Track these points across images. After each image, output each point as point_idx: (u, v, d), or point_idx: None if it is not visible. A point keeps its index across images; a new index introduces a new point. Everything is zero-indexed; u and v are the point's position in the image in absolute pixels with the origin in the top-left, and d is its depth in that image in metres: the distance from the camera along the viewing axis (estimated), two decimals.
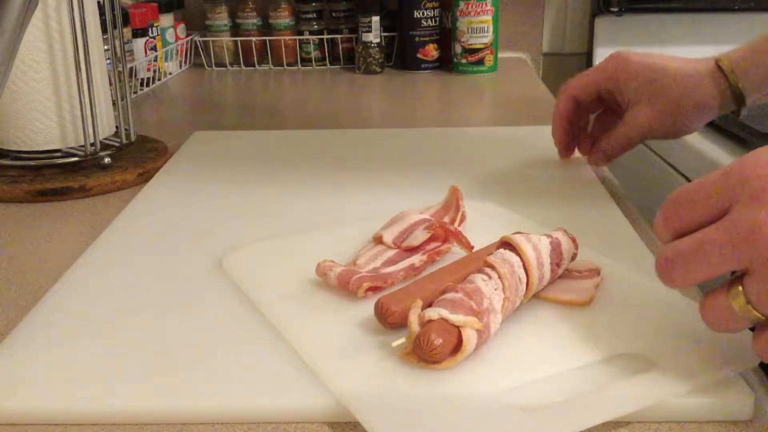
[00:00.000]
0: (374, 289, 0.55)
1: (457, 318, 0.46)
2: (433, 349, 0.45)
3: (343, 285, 0.55)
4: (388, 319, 0.50)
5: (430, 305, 0.48)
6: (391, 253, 0.60)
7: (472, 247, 0.61)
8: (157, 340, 0.52)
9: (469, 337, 0.46)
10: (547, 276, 0.53)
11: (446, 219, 0.66)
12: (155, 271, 0.62)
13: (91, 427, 0.45)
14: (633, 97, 0.78)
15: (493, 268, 0.51)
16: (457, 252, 0.61)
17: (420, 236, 0.61)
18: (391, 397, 0.44)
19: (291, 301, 0.55)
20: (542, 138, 0.88)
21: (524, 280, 0.51)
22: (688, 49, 1.68)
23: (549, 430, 0.42)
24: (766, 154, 0.42)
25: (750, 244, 0.40)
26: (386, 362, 0.47)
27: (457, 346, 0.46)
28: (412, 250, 0.61)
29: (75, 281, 0.61)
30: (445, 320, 0.46)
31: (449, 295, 0.48)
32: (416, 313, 0.47)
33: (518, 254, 0.52)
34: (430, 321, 0.46)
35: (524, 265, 0.52)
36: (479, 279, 0.50)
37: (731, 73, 0.74)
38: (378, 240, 0.62)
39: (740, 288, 0.42)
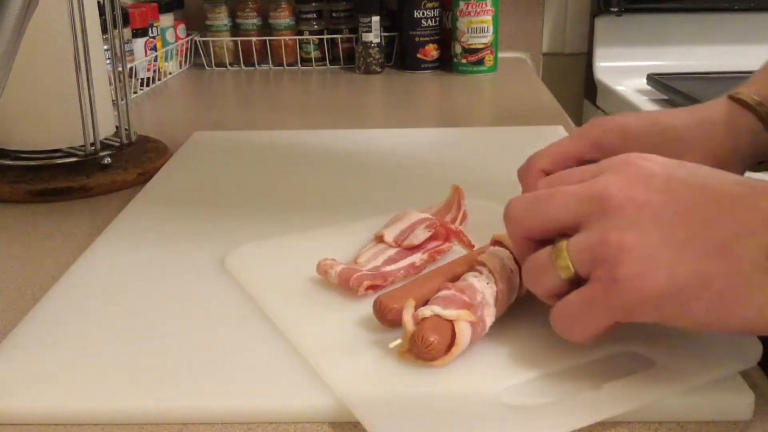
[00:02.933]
0: (374, 288, 0.55)
1: (449, 312, 0.46)
2: (428, 346, 0.45)
3: (344, 283, 0.55)
4: (387, 317, 0.50)
5: (426, 303, 0.48)
6: (391, 251, 0.60)
7: (473, 246, 0.61)
8: (157, 339, 0.52)
9: (463, 330, 0.46)
10: None
11: (447, 218, 0.66)
12: (156, 271, 0.62)
13: (91, 427, 0.45)
14: None
15: (483, 264, 0.51)
16: (458, 251, 0.62)
17: (421, 235, 0.61)
18: (390, 396, 0.44)
19: (292, 300, 0.55)
20: (542, 138, 0.88)
21: (516, 270, 0.52)
22: (688, 49, 1.68)
23: (547, 428, 0.42)
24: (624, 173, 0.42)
25: (594, 199, 0.42)
26: (386, 361, 0.47)
27: (453, 341, 0.46)
28: (413, 249, 0.61)
29: (75, 281, 0.61)
30: (438, 316, 0.46)
31: (442, 293, 0.49)
32: (410, 312, 0.47)
33: (507, 248, 0.53)
34: (423, 319, 0.47)
35: (514, 257, 0.52)
36: (471, 276, 0.51)
37: (760, 106, 0.57)
38: (379, 238, 0.62)
39: (564, 244, 0.43)
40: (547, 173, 0.57)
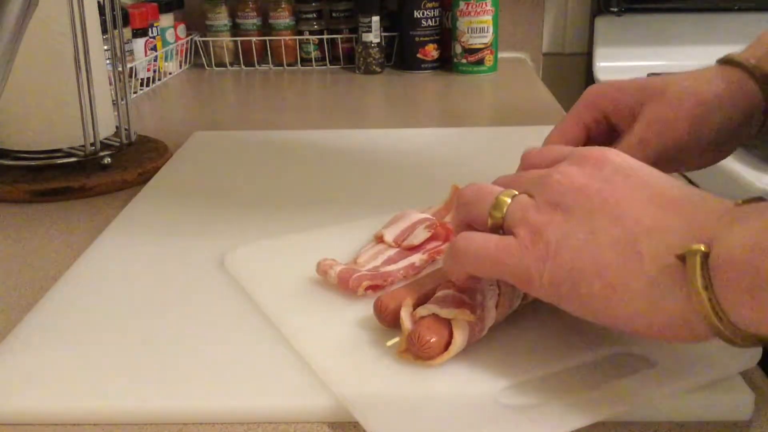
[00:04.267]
0: (374, 288, 0.55)
1: (447, 312, 0.46)
2: (424, 345, 0.45)
3: (343, 284, 0.55)
4: (387, 318, 0.50)
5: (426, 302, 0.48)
6: (391, 252, 0.60)
7: None
8: (157, 339, 0.52)
9: (460, 329, 0.46)
10: None
11: (447, 218, 0.66)
12: (156, 271, 0.62)
13: (91, 427, 0.45)
14: (635, 104, 0.59)
15: None
16: None
17: (421, 235, 0.61)
18: (389, 396, 0.44)
19: (291, 300, 0.55)
20: (542, 138, 0.88)
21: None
22: (688, 49, 1.68)
23: (547, 428, 0.42)
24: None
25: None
26: (385, 361, 0.47)
27: (450, 340, 0.46)
28: (413, 249, 0.61)
29: (75, 281, 0.61)
30: (435, 316, 0.46)
31: (441, 293, 0.48)
32: (408, 311, 0.47)
33: None
34: (421, 318, 0.47)
35: None
36: (473, 281, 0.50)
37: (756, 69, 0.57)
38: (379, 239, 0.62)
39: (508, 199, 0.46)
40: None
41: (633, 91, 0.59)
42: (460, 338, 0.46)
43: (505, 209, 0.46)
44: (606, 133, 0.61)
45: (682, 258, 0.39)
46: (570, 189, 0.44)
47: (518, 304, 0.51)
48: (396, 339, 0.48)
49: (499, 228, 0.46)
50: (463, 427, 0.42)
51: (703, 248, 0.38)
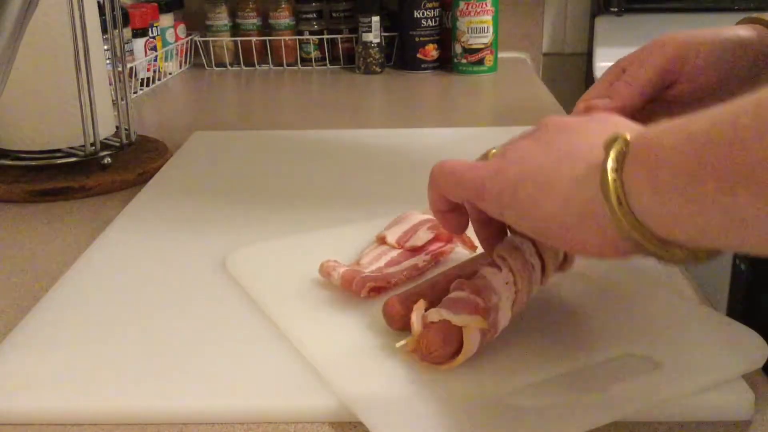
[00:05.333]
0: (377, 290, 0.55)
1: (459, 319, 0.45)
2: (431, 352, 0.45)
3: (347, 285, 0.55)
4: (397, 321, 0.49)
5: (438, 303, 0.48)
6: (394, 253, 0.60)
7: (476, 248, 0.61)
8: (157, 340, 0.52)
9: (471, 338, 0.45)
10: (561, 254, 0.52)
11: None
12: (156, 271, 0.62)
13: (91, 427, 0.45)
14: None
15: (503, 259, 0.49)
16: (460, 252, 0.61)
17: (423, 236, 0.61)
18: (394, 397, 0.44)
19: (294, 301, 0.55)
20: None
21: (538, 266, 0.50)
22: None
23: (553, 431, 0.42)
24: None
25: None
26: (389, 363, 0.47)
27: (460, 346, 0.45)
28: (416, 251, 0.60)
29: (75, 281, 0.61)
30: (447, 321, 0.46)
31: (455, 294, 0.47)
32: (419, 313, 0.47)
33: (528, 238, 0.50)
34: (432, 323, 0.46)
35: (537, 250, 0.50)
36: (489, 273, 0.48)
37: None
38: (381, 240, 0.62)
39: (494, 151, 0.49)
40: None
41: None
42: (469, 348, 0.45)
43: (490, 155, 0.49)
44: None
45: (606, 146, 0.39)
46: (534, 133, 0.47)
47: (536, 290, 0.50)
48: (404, 341, 0.47)
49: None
50: (468, 429, 0.42)
51: (627, 136, 0.38)
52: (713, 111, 0.35)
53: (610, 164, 0.38)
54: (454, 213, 0.50)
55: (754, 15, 0.62)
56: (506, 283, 0.48)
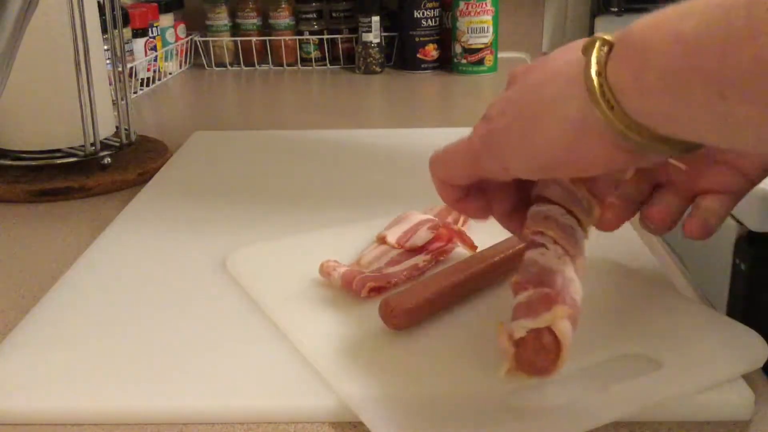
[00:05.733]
0: (378, 290, 0.55)
1: (542, 320, 0.43)
2: (537, 365, 0.42)
3: (347, 285, 0.55)
4: (393, 322, 0.50)
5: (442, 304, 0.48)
6: (394, 253, 0.60)
7: (476, 247, 0.61)
8: (157, 340, 0.52)
9: (563, 331, 0.42)
10: (587, 204, 0.49)
11: (449, 219, 0.66)
12: (156, 271, 0.62)
13: (91, 427, 0.45)
14: None
15: (541, 234, 0.47)
16: (460, 252, 0.61)
17: (424, 236, 0.61)
18: (396, 397, 0.44)
19: (294, 301, 0.55)
20: None
21: (575, 223, 0.47)
22: None
23: (554, 431, 0.42)
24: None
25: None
26: (389, 362, 0.47)
27: (557, 346, 0.43)
28: (416, 251, 0.60)
29: (75, 281, 0.61)
30: (533, 330, 0.43)
31: (521, 296, 0.44)
32: (504, 335, 0.43)
33: (553, 202, 0.48)
34: (521, 338, 0.43)
35: (566, 209, 0.48)
36: (537, 254, 0.46)
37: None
38: (381, 240, 0.62)
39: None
40: None
41: None
42: (567, 341, 0.42)
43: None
44: None
45: (585, 51, 0.38)
46: (510, 89, 0.46)
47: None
48: (504, 367, 0.44)
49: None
50: (469, 429, 0.42)
51: (607, 37, 0.37)
52: (701, 7, 0.33)
53: (594, 68, 0.37)
54: (469, 198, 0.48)
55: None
56: (558, 258, 0.45)
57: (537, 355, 0.42)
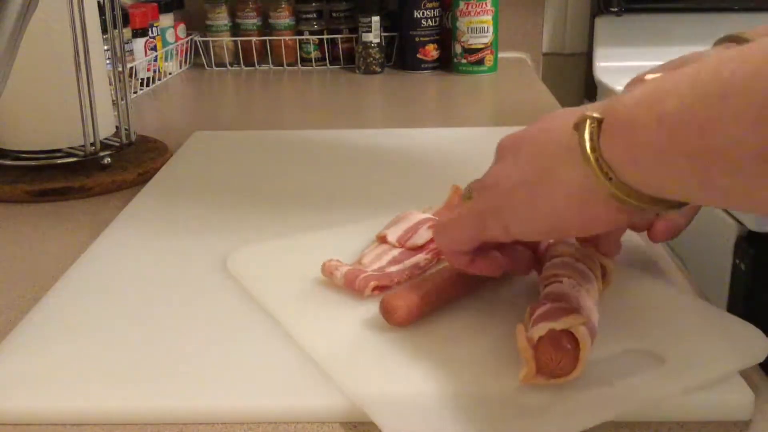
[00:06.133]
0: (381, 289, 0.55)
1: (563, 322, 0.44)
2: (559, 363, 0.43)
3: (350, 284, 0.55)
4: (394, 317, 0.50)
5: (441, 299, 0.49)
6: (395, 252, 0.60)
7: None
8: (157, 340, 0.52)
9: (583, 334, 0.44)
10: (598, 263, 0.53)
11: None
12: (156, 271, 0.62)
13: (91, 427, 0.45)
14: None
15: (555, 275, 0.50)
16: None
17: (424, 235, 0.61)
18: (403, 396, 0.44)
19: (296, 301, 0.55)
20: None
21: (586, 269, 0.51)
22: (688, 49, 1.68)
23: (559, 427, 0.42)
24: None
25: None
26: (394, 361, 0.47)
27: (576, 348, 0.44)
28: (417, 250, 0.61)
29: (75, 281, 0.61)
30: (553, 329, 0.44)
31: (541, 310, 0.46)
32: (523, 335, 0.45)
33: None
34: (540, 338, 0.44)
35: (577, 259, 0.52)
36: (553, 287, 0.49)
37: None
38: (382, 239, 0.62)
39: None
40: None
41: None
42: (587, 343, 0.44)
43: (469, 191, 0.50)
44: None
45: (577, 128, 0.40)
46: (504, 154, 0.49)
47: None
48: (524, 371, 0.44)
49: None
50: (474, 426, 0.42)
51: (596, 114, 0.40)
52: (682, 87, 0.36)
53: (588, 144, 0.39)
54: (478, 260, 0.51)
55: (734, 33, 0.59)
56: (573, 287, 0.49)
57: (556, 354, 0.44)
